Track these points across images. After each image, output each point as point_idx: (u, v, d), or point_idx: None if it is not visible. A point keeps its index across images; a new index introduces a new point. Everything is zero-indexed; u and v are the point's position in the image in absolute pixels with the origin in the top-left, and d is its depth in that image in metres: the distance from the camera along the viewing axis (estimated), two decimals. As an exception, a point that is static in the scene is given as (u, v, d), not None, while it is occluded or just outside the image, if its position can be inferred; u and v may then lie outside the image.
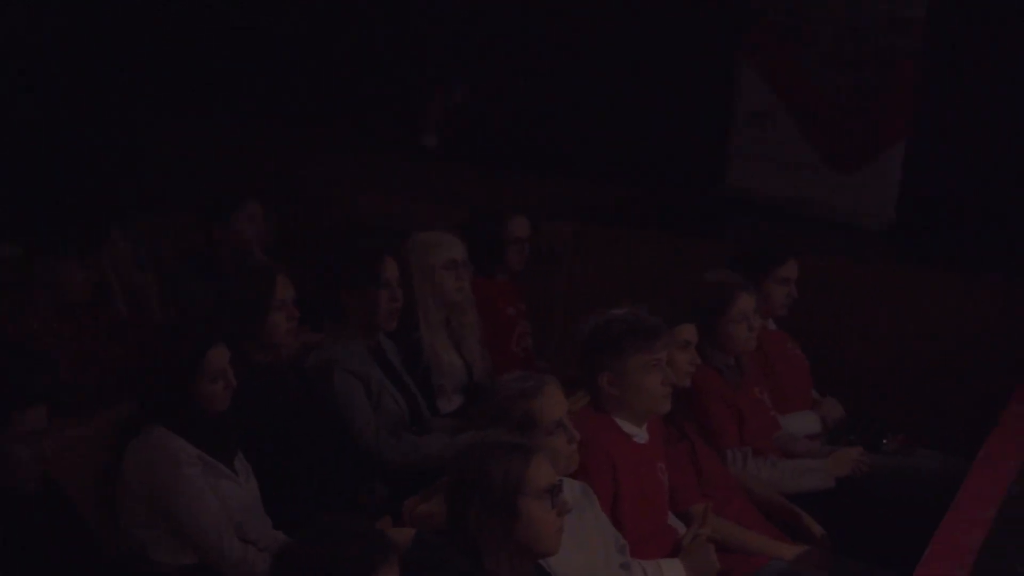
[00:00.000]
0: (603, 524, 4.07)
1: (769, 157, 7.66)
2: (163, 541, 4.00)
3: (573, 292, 7.05)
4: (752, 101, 7.69)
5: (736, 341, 5.12)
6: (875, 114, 7.24)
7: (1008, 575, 3.53)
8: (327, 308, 4.99)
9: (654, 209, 7.68)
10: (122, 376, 4.91)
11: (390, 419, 4.84)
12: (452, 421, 5.17)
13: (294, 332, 4.70)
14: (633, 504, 4.24)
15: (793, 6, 7.43)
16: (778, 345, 5.62)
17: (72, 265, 5.12)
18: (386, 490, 4.68)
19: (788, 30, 7.44)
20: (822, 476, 5.06)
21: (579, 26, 8.01)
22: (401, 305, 4.99)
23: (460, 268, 5.46)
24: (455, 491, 3.40)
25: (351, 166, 8.10)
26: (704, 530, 4.35)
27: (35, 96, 8.05)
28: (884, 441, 5.45)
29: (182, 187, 7.14)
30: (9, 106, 7.85)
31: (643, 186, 7.79)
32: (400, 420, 4.88)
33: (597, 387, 4.35)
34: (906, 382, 6.29)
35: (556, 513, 3.41)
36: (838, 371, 6.07)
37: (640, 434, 4.38)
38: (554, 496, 3.41)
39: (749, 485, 4.94)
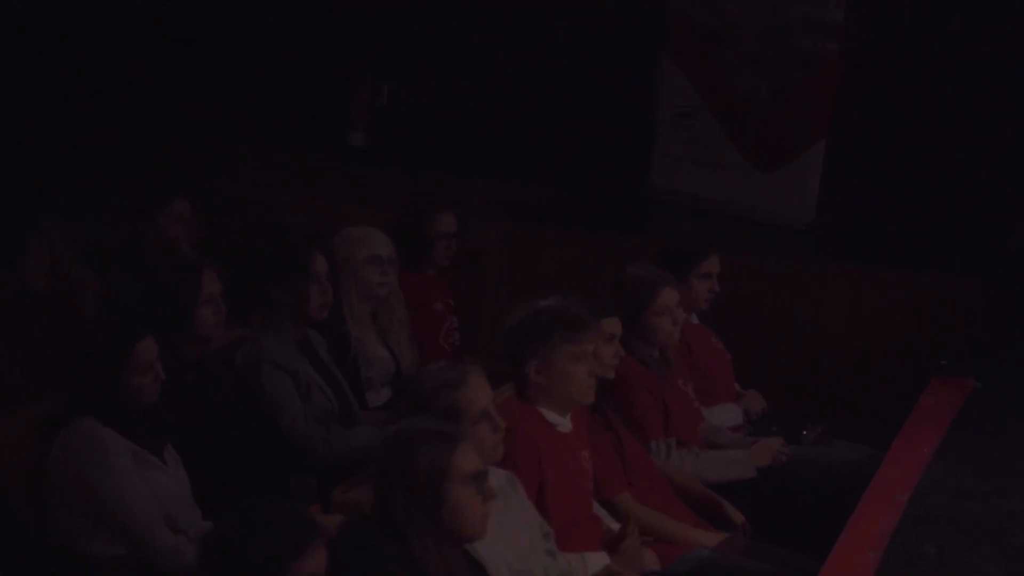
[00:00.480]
0: (528, 512, 4.13)
1: (693, 157, 7.80)
2: (93, 532, 4.01)
3: (501, 291, 7.13)
4: (676, 102, 7.81)
5: (660, 334, 5.21)
6: (795, 115, 7.39)
7: (919, 557, 3.63)
8: (255, 302, 5.02)
9: (580, 209, 7.77)
10: (52, 370, 4.91)
11: (319, 412, 4.89)
12: (381, 414, 5.22)
13: (221, 326, 4.73)
14: (558, 492, 4.30)
15: (714, 8, 7.55)
16: (701, 339, 5.74)
17: None
18: (315, 481, 4.72)
19: (710, 32, 7.57)
20: (744, 466, 5.17)
21: (505, 28, 8.08)
22: (330, 298, 5.05)
23: (385, 264, 5.51)
24: (382, 477, 3.43)
25: (278, 166, 8.13)
26: (635, 535, 4.41)
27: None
28: (804, 432, 5.58)
29: (111, 190, 7.12)
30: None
31: (569, 186, 7.88)
32: (329, 413, 4.93)
33: (524, 376, 4.41)
34: (825, 375, 6.45)
35: (482, 499, 3.46)
36: (759, 365, 6.21)
37: (564, 423, 4.45)
38: (480, 482, 3.46)
39: (673, 475, 5.03)
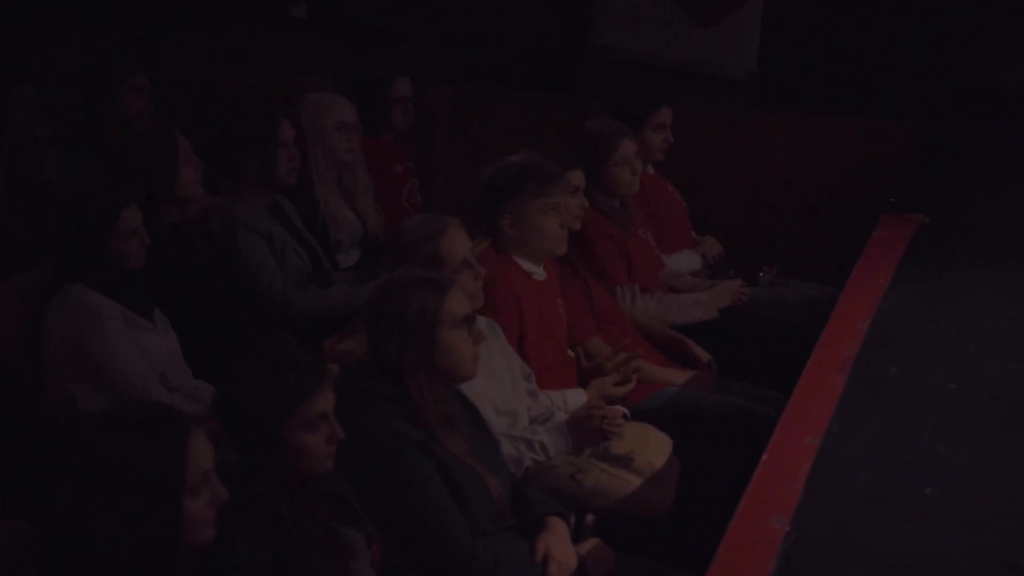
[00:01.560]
0: (509, 356, 4.30)
1: (633, 14, 7.86)
2: (91, 392, 4.13)
3: (452, 152, 7.25)
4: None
5: (620, 185, 5.36)
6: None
7: (882, 377, 3.83)
8: (225, 170, 5.11)
9: (524, 71, 7.85)
10: (30, 241, 4.99)
11: (295, 273, 5.03)
12: (353, 274, 5.36)
13: (201, 183, 4.83)
14: (536, 337, 4.48)
15: None
16: (658, 188, 5.89)
17: None
18: (295, 340, 4.86)
19: None
20: (706, 307, 5.36)
21: None
22: (298, 164, 5.15)
23: (350, 130, 5.61)
24: (376, 325, 3.56)
25: (220, 40, 8.12)
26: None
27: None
28: (760, 274, 5.79)
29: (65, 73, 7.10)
30: None
31: (513, 49, 7.94)
32: (305, 273, 5.07)
33: (498, 230, 4.55)
34: (776, 220, 6.65)
35: (472, 341, 3.62)
36: (714, 212, 6.39)
37: (539, 272, 4.61)
38: (469, 325, 3.60)
39: (638, 319, 5.22)
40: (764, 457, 3.26)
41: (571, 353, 4.72)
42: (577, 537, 3.82)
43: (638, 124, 5.68)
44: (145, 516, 2.61)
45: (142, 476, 2.61)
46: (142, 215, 4.28)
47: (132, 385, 4.14)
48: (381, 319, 3.56)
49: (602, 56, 7.97)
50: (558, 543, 3.62)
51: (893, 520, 2.98)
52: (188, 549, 2.69)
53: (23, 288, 4.32)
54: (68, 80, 6.38)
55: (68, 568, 2.60)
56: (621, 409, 4.23)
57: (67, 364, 4.17)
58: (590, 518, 4.24)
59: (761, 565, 2.74)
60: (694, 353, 5.12)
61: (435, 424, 3.52)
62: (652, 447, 4.21)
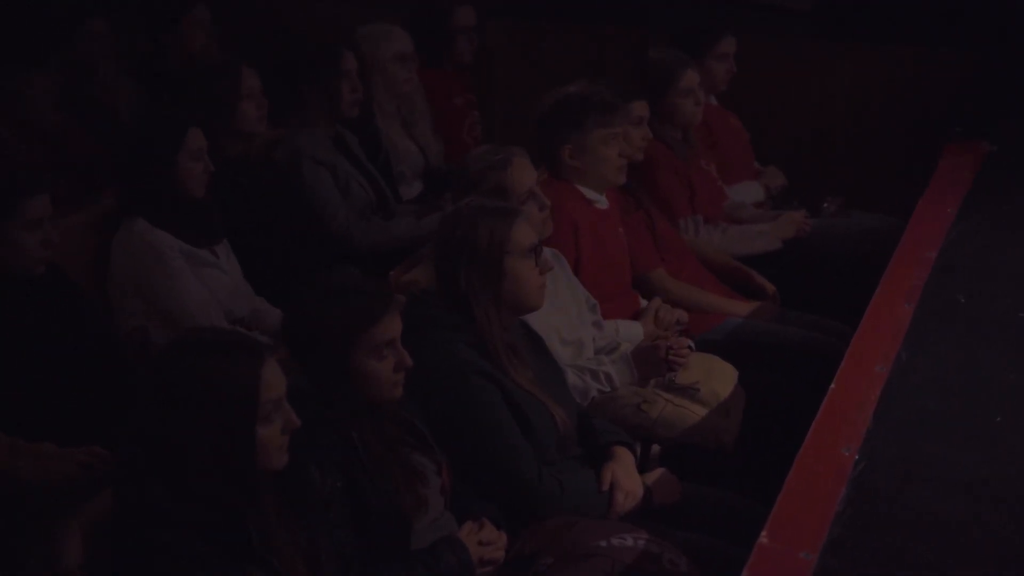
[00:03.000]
0: (575, 286, 4.30)
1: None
2: (159, 326, 4.17)
3: (510, 86, 7.22)
4: None
5: (683, 115, 5.32)
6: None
7: (951, 304, 3.81)
8: (288, 102, 5.12)
9: (583, 1, 7.78)
10: (99, 173, 5.02)
11: (359, 205, 5.04)
12: (415, 206, 5.37)
13: (264, 120, 4.83)
14: (597, 266, 4.47)
15: None
16: (721, 119, 5.85)
17: (34, 78, 5.14)
18: (357, 271, 4.88)
19: None
20: (769, 238, 5.35)
21: None
22: (361, 95, 5.15)
23: (408, 60, 5.61)
24: (444, 253, 3.57)
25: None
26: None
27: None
28: (824, 204, 5.75)
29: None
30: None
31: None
32: (368, 205, 5.08)
33: (559, 160, 4.53)
34: (840, 150, 6.57)
35: (539, 272, 3.62)
36: (776, 143, 6.33)
37: (601, 200, 4.59)
38: (536, 255, 3.60)
39: (702, 250, 5.20)
40: (833, 386, 3.25)
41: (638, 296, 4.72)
42: (643, 468, 3.83)
43: (701, 54, 5.63)
44: (220, 441, 2.65)
45: (217, 403, 2.64)
46: (207, 143, 4.28)
47: (195, 323, 4.15)
48: (449, 248, 3.57)
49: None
50: (624, 472, 3.64)
51: (962, 447, 2.97)
52: (262, 474, 2.72)
53: (93, 218, 4.35)
54: (137, 13, 6.38)
55: (145, 491, 2.64)
56: (686, 340, 4.23)
57: (133, 300, 4.21)
58: (656, 448, 4.25)
59: (831, 492, 2.73)
60: (759, 284, 5.10)
61: (501, 353, 3.54)
62: (717, 377, 4.20)
